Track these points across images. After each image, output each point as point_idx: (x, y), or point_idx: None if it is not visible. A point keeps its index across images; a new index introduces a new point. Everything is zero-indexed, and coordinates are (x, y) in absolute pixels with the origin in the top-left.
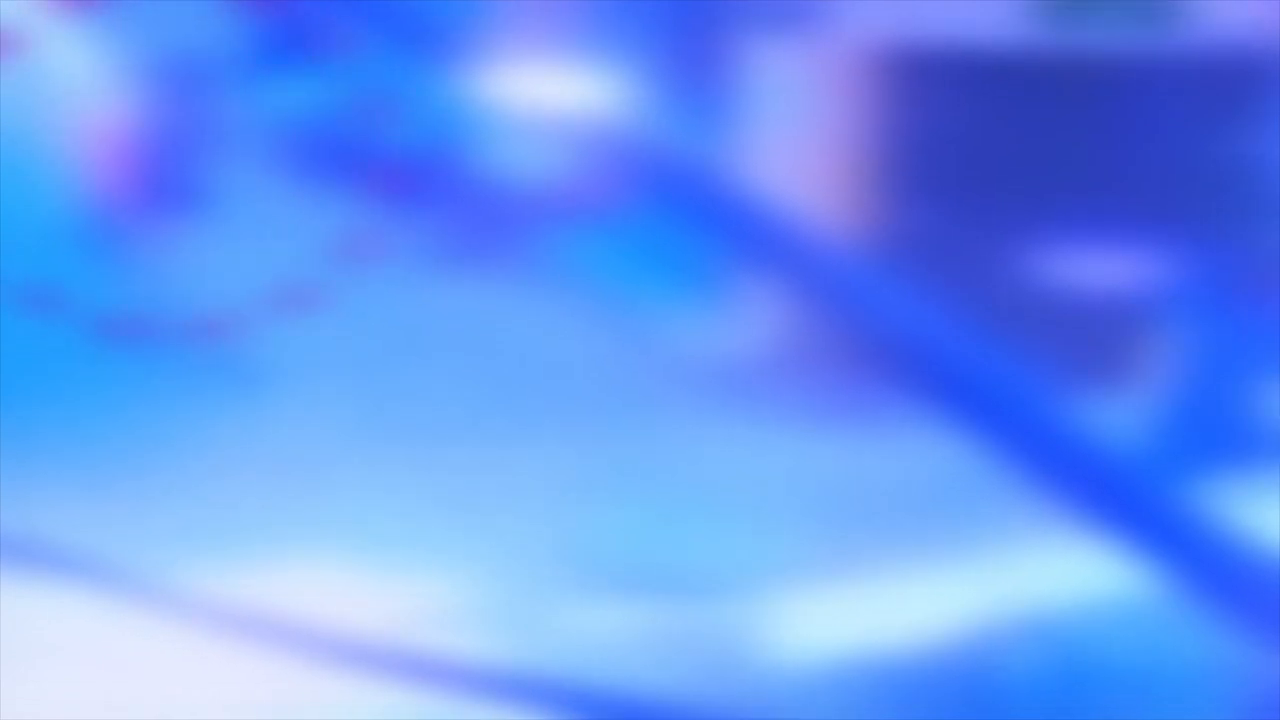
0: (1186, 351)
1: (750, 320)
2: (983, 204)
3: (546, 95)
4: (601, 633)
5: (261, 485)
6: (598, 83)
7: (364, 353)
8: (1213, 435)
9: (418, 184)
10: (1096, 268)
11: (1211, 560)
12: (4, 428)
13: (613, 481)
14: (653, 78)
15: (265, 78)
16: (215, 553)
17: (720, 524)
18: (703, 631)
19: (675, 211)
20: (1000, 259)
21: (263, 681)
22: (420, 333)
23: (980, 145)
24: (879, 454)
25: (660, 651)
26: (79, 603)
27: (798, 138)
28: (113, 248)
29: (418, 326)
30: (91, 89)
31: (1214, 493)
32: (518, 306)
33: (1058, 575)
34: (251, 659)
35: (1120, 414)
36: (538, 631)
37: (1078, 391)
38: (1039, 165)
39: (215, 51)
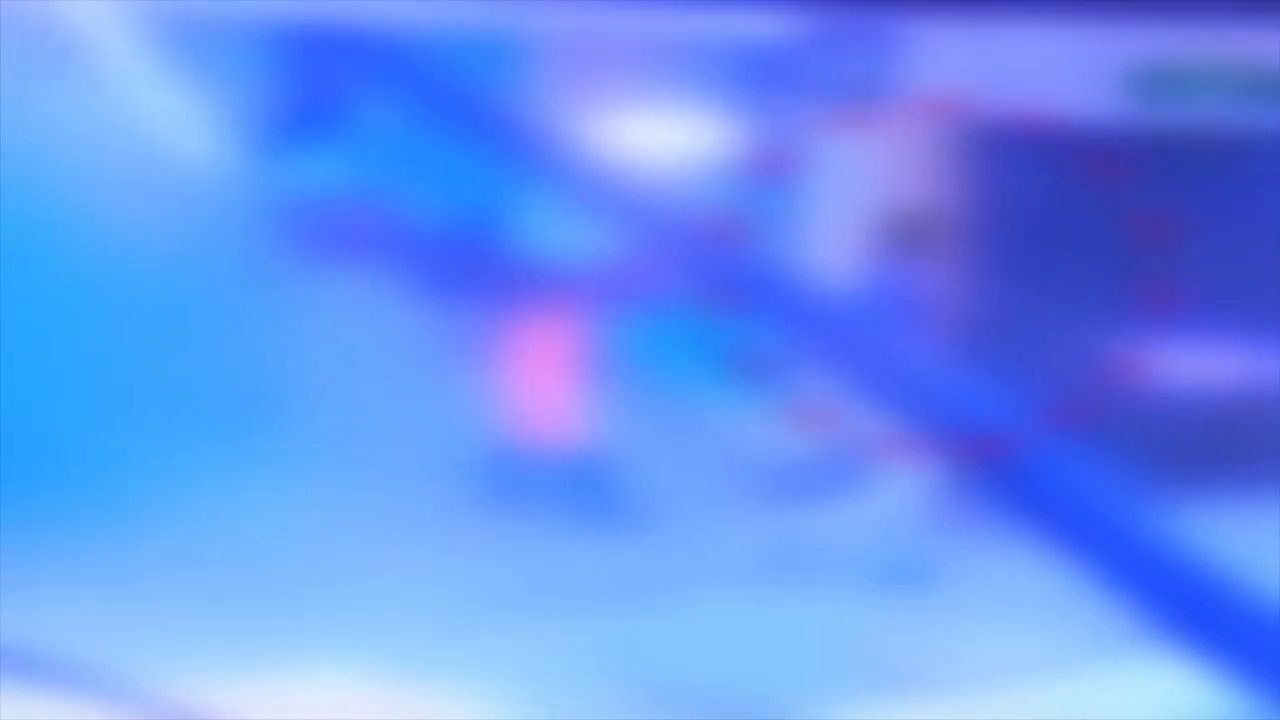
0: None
1: (811, 415)
2: (1071, 292)
3: (602, 174)
4: None
5: (288, 596)
6: (653, 162)
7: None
8: None
9: (462, 265)
10: (1192, 363)
11: None
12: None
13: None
14: (713, 158)
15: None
16: (231, 666)
17: (782, 632)
18: None
19: (733, 298)
20: (1086, 351)
21: None
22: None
23: (1071, 227)
24: (957, 561)
25: None
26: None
27: (867, 219)
28: None
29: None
30: None
31: None
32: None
33: (1143, 689)
34: None
35: (1213, 522)
36: None
37: (1167, 499)
38: (1133, 250)
39: None
